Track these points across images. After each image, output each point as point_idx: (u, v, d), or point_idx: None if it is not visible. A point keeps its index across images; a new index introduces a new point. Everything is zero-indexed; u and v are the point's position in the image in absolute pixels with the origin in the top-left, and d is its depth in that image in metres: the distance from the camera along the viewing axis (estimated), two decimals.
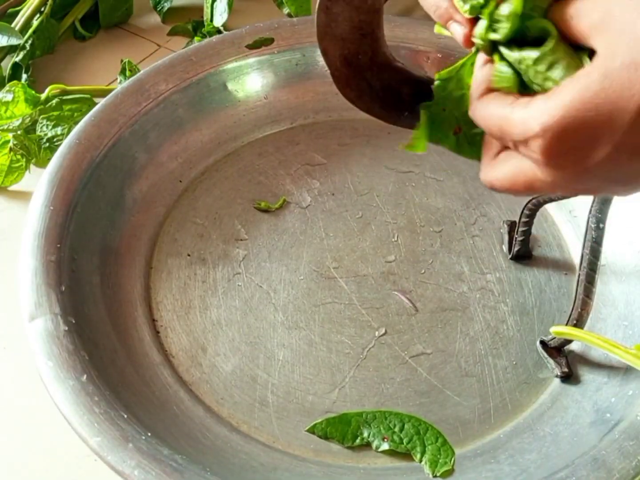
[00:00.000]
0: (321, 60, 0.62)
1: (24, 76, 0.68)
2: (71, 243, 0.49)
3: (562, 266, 0.54)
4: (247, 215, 0.57)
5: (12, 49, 0.70)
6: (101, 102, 0.56)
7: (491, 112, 0.30)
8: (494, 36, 0.31)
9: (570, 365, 0.48)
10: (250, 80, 0.62)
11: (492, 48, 0.31)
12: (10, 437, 0.48)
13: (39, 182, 0.51)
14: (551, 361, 0.48)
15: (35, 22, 0.70)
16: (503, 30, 0.30)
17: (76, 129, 0.54)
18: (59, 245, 0.48)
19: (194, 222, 0.56)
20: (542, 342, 0.49)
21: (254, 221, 0.57)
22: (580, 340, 0.47)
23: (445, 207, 0.58)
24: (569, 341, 0.48)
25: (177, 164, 0.59)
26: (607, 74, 0.26)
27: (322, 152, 0.61)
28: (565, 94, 0.27)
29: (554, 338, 0.48)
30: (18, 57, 0.68)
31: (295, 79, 0.63)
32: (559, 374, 0.48)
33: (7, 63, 0.69)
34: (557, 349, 0.49)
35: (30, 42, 0.69)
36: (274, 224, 0.57)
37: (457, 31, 0.32)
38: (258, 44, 0.62)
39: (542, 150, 0.28)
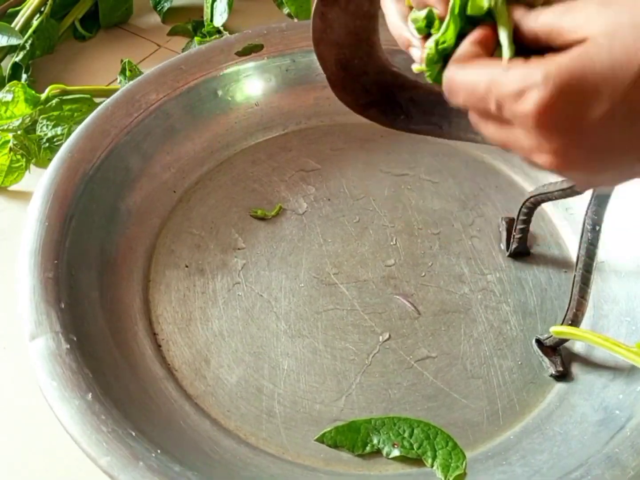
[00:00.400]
0: (312, 66, 0.63)
1: (24, 76, 0.67)
2: (68, 259, 0.48)
3: (561, 264, 0.54)
4: (243, 223, 0.56)
5: (12, 49, 0.69)
6: (92, 114, 0.55)
7: (478, 72, 0.29)
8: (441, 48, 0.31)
9: (565, 363, 0.48)
10: (241, 88, 0.62)
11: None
12: (10, 437, 0.47)
13: (33, 197, 0.50)
14: (546, 360, 0.48)
15: (35, 22, 0.70)
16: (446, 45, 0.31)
17: (68, 142, 0.53)
18: (56, 262, 0.47)
19: (190, 233, 0.56)
20: (538, 341, 0.49)
21: (251, 229, 0.56)
22: (580, 340, 0.47)
23: (441, 209, 0.58)
24: (565, 340, 0.48)
25: (171, 174, 0.58)
26: (613, 35, 0.26)
27: (316, 157, 0.61)
28: (573, 51, 0.27)
29: (550, 337, 0.48)
30: (18, 57, 0.68)
31: (285, 85, 0.63)
32: (553, 372, 0.48)
33: (7, 63, 0.68)
34: (552, 348, 0.49)
35: (30, 42, 0.68)
36: (271, 231, 0.56)
37: (414, 54, 0.33)
38: (247, 51, 0.61)
39: (540, 102, 0.26)
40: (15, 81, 0.63)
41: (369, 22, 0.42)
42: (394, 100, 0.43)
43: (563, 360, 0.48)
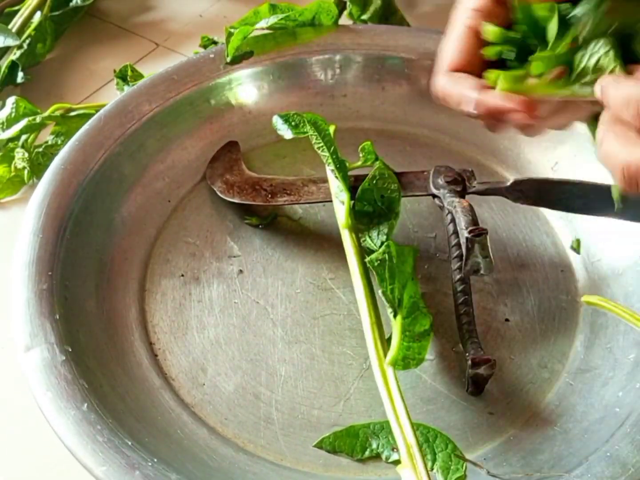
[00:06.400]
0: (304, 72, 0.63)
1: (20, 74, 0.67)
2: (62, 270, 0.48)
3: (557, 263, 0.54)
4: (238, 231, 0.56)
5: (9, 50, 0.69)
6: (84, 126, 0.55)
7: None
8: None
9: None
10: (233, 96, 0.62)
11: None
12: (9, 437, 0.47)
13: (26, 209, 0.50)
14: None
15: (33, 22, 0.70)
16: None
17: (60, 154, 0.53)
18: (50, 273, 0.47)
19: (186, 242, 0.56)
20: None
21: (246, 237, 0.56)
22: (608, 311, 0.46)
23: (437, 212, 0.57)
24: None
25: (165, 184, 0.58)
26: None
27: (310, 164, 0.61)
28: None
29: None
30: (15, 56, 0.68)
31: (277, 92, 0.63)
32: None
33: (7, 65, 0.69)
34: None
35: (28, 41, 0.69)
36: (267, 238, 0.56)
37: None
38: (238, 59, 0.61)
39: None
40: (15, 97, 0.63)
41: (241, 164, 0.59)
42: (259, 188, 0.56)
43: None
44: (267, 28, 0.63)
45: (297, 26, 0.63)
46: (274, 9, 0.62)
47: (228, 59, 0.60)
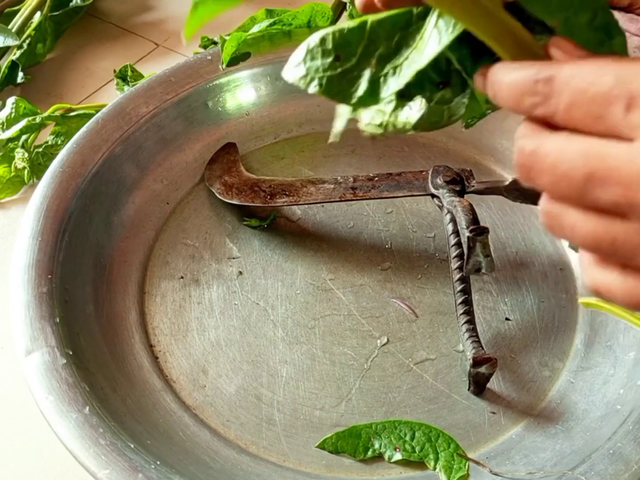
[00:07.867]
0: None
1: (20, 74, 0.67)
2: (62, 273, 0.48)
3: (556, 262, 0.54)
4: (237, 233, 0.56)
5: (9, 50, 0.69)
6: (82, 128, 0.55)
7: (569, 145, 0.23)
8: None
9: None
10: (231, 98, 0.62)
11: None
12: (10, 441, 0.46)
13: (25, 212, 0.50)
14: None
15: (33, 22, 0.70)
16: None
17: (59, 157, 0.53)
18: (50, 277, 0.47)
19: (185, 244, 0.55)
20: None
21: (245, 238, 0.56)
22: (607, 312, 0.46)
23: (435, 211, 0.57)
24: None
25: (163, 186, 0.58)
26: None
27: (308, 164, 0.61)
28: None
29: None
30: (15, 56, 0.68)
31: (275, 93, 0.63)
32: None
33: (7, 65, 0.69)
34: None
35: (28, 41, 0.69)
36: (266, 239, 0.56)
37: None
38: (235, 61, 0.61)
39: None
40: (16, 97, 0.63)
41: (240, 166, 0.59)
42: (258, 190, 0.56)
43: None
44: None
45: (293, 29, 0.63)
46: (270, 13, 0.62)
47: (223, 66, 0.60)
